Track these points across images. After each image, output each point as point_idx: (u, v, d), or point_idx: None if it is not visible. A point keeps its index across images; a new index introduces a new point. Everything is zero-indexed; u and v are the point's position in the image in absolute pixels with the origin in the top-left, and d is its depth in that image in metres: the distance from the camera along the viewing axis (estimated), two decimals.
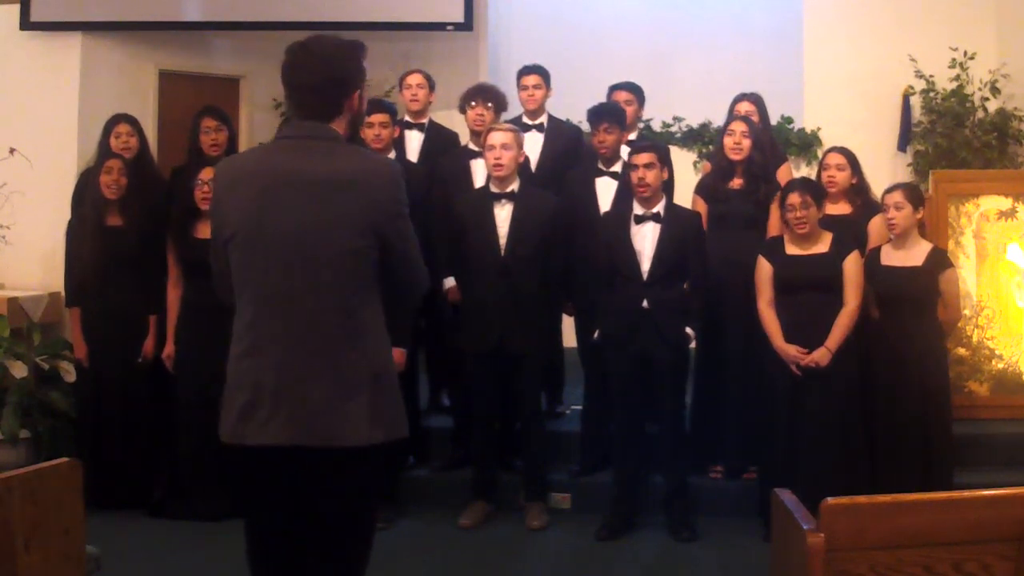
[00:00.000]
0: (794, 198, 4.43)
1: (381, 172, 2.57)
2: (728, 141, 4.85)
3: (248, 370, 2.52)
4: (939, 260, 4.55)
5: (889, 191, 4.56)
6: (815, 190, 4.51)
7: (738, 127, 4.86)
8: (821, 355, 4.34)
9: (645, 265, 4.53)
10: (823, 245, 4.47)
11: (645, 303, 4.51)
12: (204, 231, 4.86)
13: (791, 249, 4.50)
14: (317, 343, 2.48)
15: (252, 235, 2.50)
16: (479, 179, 5.00)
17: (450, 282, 4.92)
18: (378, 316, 2.58)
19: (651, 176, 4.51)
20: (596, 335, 4.69)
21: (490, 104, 5.10)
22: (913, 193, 4.56)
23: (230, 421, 2.54)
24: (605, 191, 4.94)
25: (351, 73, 2.59)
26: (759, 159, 4.86)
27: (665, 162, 4.63)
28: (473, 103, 5.11)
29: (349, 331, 2.50)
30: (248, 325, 2.55)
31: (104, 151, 5.17)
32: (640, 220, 4.56)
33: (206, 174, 4.83)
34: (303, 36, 2.64)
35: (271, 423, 2.48)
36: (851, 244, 4.52)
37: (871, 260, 4.56)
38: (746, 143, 4.81)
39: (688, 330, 4.55)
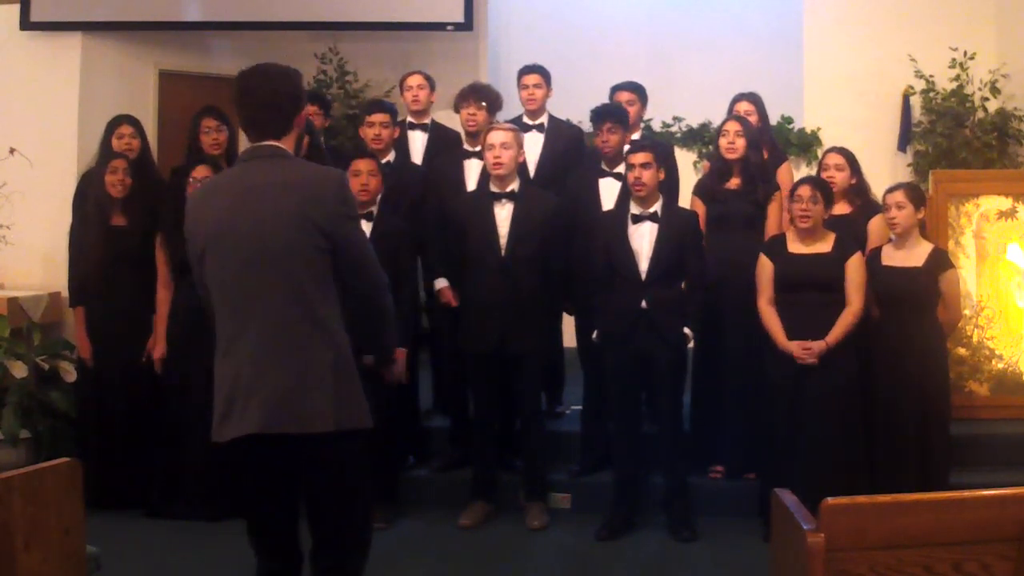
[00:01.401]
0: (804, 190, 4.44)
1: (327, 176, 2.79)
2: (722, 141, 4.86)
3: (226, 370, 2.70)
4: (940, 261, 4.55)
5: (891, 190, 4.57)
6: (826, 189, 4.52)
7: (732, 127, 4.86)
8: (818, 346, 4.35)
9: (643, 265, 4.53)
10: (826, 245, 4.47)
11: (643, 303, 4.51)
12: None
13: (794, 247, 4.50)
14: (280, 335, 2.65)
15: (220, 242, 2.70)
16: (473, 179, 4.99)
17: (441, 283, 4.92)
18: (335, 310, 2.74)
19: (647, 175, 4.51)
20: (595, 335, 4.69)
21: (483, 104, 5.10)
22: (915, 193, 4.56)
23: (215, 422, 2.71)
24: (608, 191, 4.93)
25: (300, 94, 2.83)
26: (755, 159, 4.86)
27: (662, 162, 4.63)
28: (466, 103, 5.11)
29: (309, 323, 2.67)
30: (223, 328, 2.73)
31: (106, 152, 5.18)
32: (637, 220, 4.57)
33: (200, 172, 4.83)
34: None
35: (245, 414, 2.64)
36: (854, 245, 4.52)
37: (872, 260, 4.56)
38: (740, 142, 4.81)
39: (686, 330, 4.55)
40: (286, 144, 2.79)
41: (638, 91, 5.32)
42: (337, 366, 2.68)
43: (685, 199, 5.06)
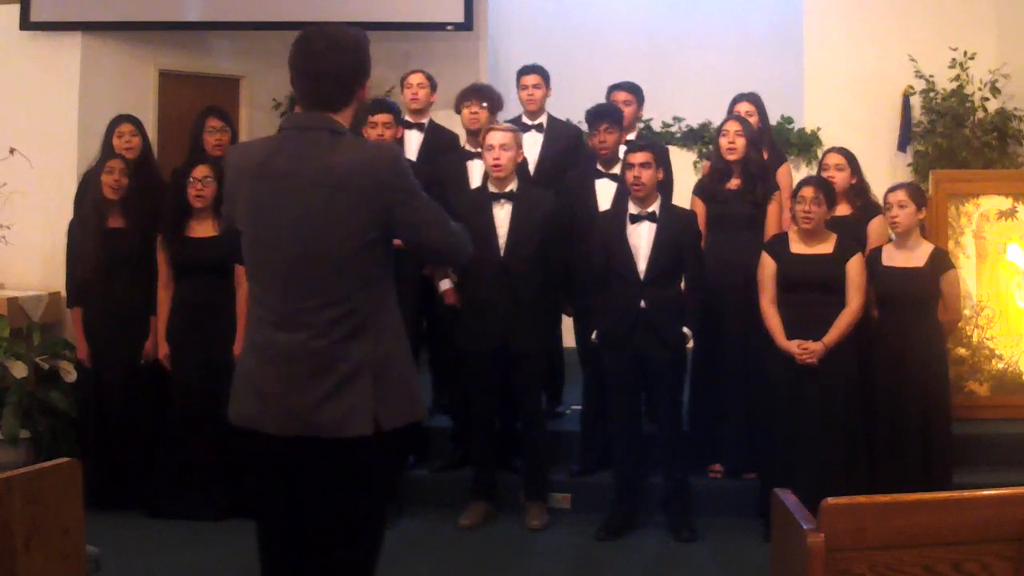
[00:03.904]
0: (808, 191, 4.44)
1: (382, 158, 2.56)
2: (722, 141, 4.86)
3: (255, 361, 2.58)
4: (941, 261, 4.55)
5: (892, 190, 4.57)
6: (828, 190, 4.51)
7: (731, 127, 4.86)
8: (816, 347, 4.35)
9: (641, 264, 4.53)
10: (828, 245, 4.47)
11: (642, 303, 4.51)
12: (197, 230, 4.87)
13: (796, 247, 4.50)
14: (318, 338, 2.51)
15: (257, 232, 2.55)
16: (476, 179, 4.99)
17: (445, 284, 4.92)
18: (383, 310, 2.59)
19: (646, 175, 4.51)
20: (593, 336, 4.69)
21: (484, 104, 5.10)
22: (916, 193, 4.57)
23: (236, 406, 2.60)
24: (605, 192, 4.93)
25: (367, 63, 2.60)
26: (755, 159, 4.86)
27: (661, 162, 4.63)
28: (467, 103, 5.11)
29: (351, 326, 2.52)
30: (257, 317, 2.60)
31: (107, 151, 5.17)
32: (636, 219, 4.57)
33: (200, 172, 4.83)
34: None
35: (275, 415, 2.53)
36: (855, 245, 4.52)
37: (872, 260, 4.56)
38: (740, 142, 4.81)
39: (685, 330, 4.55)
40: (342, 119, 2.57)
41: (635, 91, 5.31)
42: (378, 368, 2.54)
43: (681, 199, 5.05)
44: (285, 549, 2.66)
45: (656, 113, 7.15)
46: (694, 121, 7.49)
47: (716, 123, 5.36)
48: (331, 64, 2.53)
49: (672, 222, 4.57)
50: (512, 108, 5.52)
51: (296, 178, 2.50)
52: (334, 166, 2.50)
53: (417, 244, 2.61)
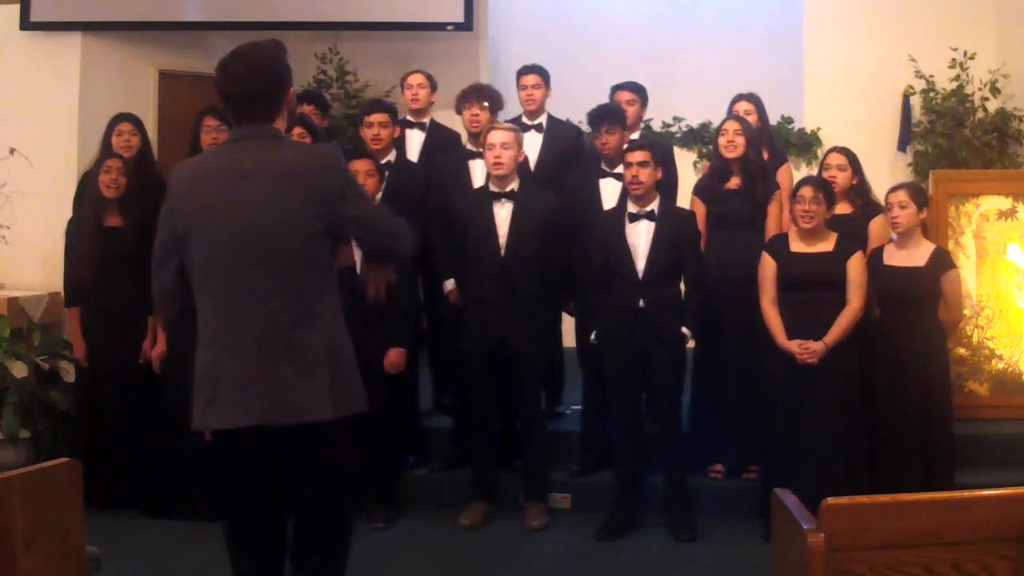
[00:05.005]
0: (807, 191, 4.44)
1: (319, 155, 2.79)
2: (722, 140, 4.86)
3: (211, 359, 2.68)
4: (942, 261, 4.55)
5: (894, 190, 4.57)
6: (828, 190, 4.52)
7: (731, 126, 4.86)
8: (817, 347, 4.35)
9: (640, 264, 4.53)
10: (828, 244, 4.47)
11: (641, 303, 4.51)
12: None
13: (796, 247, 4.50)
14: (274, 328, 2.64)
15: (208, 232, 2.67)
16: (478, 179, 4.99)
17: (450, 284, 4.91)
18: (332, 299, 2.74)
19: (644, 174, 4.51)
20: (593, 336, 4.69)
21: (485, 104, 5.10)
22: (918, 193, 4.57)
23: (198, 409, 2.69)
24: (609, 192, 4.93)
25: (285, 75, 2.78)
26: (755, 158, 4.86)
27: (660, 161, 4.63)
28: (468, 104, 5.10)
29: (304, 314, 2.66)
30: (209, 318, 2.71)
31: (105, 150, 5.17)
32: (634, 218, 4.57)
33: None
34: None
35: (236, 407, 2.62)
36: (855, 244, 4.52)
37: (874, 260, 4.56)
38: (740, 140, 4.81)
39: (685, 329, 4.55)
40: (279, 125, 2.77)
41: (638, 91, 5.31)
42: (330, 356, 2.68)
43: (684, 199, 5.06)
44: (254, 535, 2.74)
45: (656, 113, 7.13)
46: (694, 121, 7.49)
47: (716, 123, 5.36)
48: (254, 85, 2.71)
49: (671, 222, 4.57)
50: (512, 108, 5.52)
51: (249, 177, 2.67)
52: (281, 159, 2.69)
53: (363, 237, 2.77)
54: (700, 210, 4.87)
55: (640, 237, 4.55)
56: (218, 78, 2.74)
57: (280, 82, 2.75)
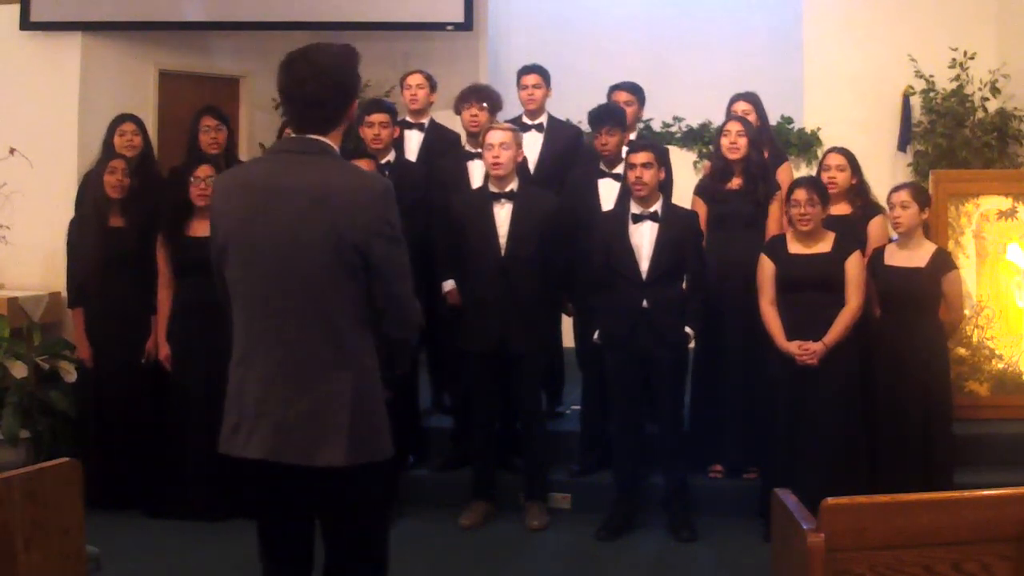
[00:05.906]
0: (800, 194, 4.44)
1: (367, 185, 2.51)
2: (724, 141, 4.86)
3: (238, 381, 2.54)
4: (943, 261, 4.55)
5: (896, 190, 4.57)
6: (821, 190, 4.51)
7: (733, 127, 4.86)
8: (816, 347, 4.35)
9: (643, 264, 4.53)
10: (826, 244, 4.47)
11: (644, 303, 4.51)
12: (198, 229, 4.86)
13: (794, 248, 4.50)
14: (301, 360, 2.46)
15: (241, 246, 2.49)
16: (477, 180, 4.99)
17: (449, 285, 4.91)
18: (366, 338, 2.52)
19: (648, 175, 4.51)
20: (596, 336, 4.68)
21: (484, 104, 5.10)
22: (919, 193, 4.57)
23: (225, 432, 2.55)
24: (608, 192, 4.93)
25: (354, 83, 2.56)
26: (757, 158, 4.86)
27: (663, 162, 4.63)
28: (467, 104, 5.11)
29: (333, 350, 2.46)
30: (239, 336, 2.55)
31: (108, 150, 5.17)
32: (638, 219, 4.57)
33: (203, 171, 4.83)
34: (303, 36, 2.64)
35: (253, 437, 2.48)
36: (853, 244, 4.52)
37: (874, 260, 4.56)
38: (742, 141, 4.81)
39: (687, 330, 4.55)
40: (332, 140, 2.53)
41: (636, 91, 5.32)
42: (356, 397, 2.46)
43: (681, 199, 5.05)
44: (283, 553, 2.64)
45: (656, 113, 7.15)
46: (694, 121, 7.49)
47: (716, 123, 5.37)
48: (316, 90, 2.49)
49: (674, 222, 4.57)
50: (512, 108, 5.52)
51: (283, 192, 2.46)
52: (323, 183, 2.46)
53: (380, 290, 2.49)
54: (701, 210, 4.87)
55: (644, 238, 4.55)
56: (280, 75, 2.53)
57: (343, 92, 2.52)
